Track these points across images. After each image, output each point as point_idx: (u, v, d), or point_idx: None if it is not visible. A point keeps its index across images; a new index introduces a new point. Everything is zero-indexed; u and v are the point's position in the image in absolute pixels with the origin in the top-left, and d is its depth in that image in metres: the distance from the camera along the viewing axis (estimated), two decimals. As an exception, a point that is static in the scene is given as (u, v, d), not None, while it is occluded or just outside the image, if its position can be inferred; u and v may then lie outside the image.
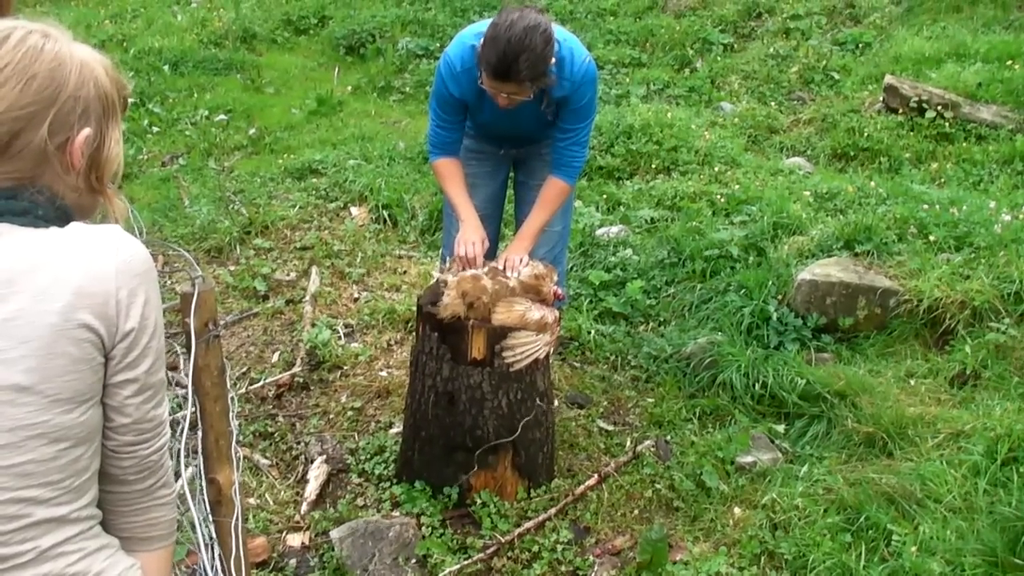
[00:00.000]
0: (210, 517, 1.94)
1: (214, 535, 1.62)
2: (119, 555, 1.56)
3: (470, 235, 3.51)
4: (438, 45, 10.07)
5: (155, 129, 8.48)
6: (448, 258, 3.65)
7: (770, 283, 4.64)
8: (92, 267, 1.41)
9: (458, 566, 3.11)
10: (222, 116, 8.84)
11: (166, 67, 10.06)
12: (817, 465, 3.61)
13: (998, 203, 5.27)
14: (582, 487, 3.55)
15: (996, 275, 4.35)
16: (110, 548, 1.55)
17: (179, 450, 1.90)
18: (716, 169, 6.62)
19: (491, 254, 3.85)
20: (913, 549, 2.97)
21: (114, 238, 1.46)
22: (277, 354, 4.61)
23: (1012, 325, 4.10)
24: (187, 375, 1.88)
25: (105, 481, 1.56)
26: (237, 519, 1.77)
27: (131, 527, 1.60)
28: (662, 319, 4.87)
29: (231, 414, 1.80)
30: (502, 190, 4.01)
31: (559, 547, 3.24)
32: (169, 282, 5.08)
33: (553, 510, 3.41)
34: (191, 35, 11.28)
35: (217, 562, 1.88)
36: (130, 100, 1.57)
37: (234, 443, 1.82)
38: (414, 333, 3.56)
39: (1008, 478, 3.17)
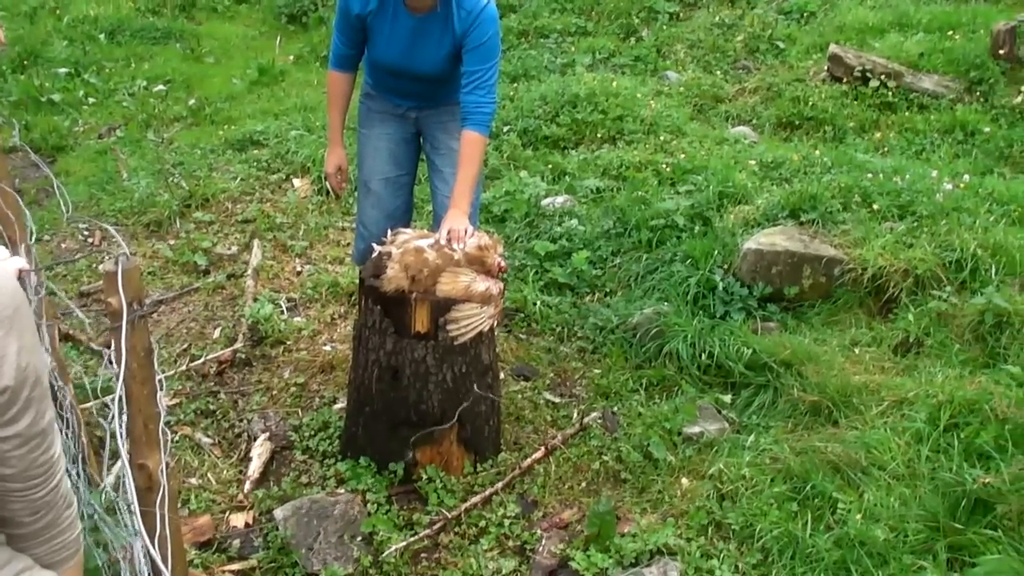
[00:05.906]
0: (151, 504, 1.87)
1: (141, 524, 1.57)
2: (36, 572, 1.48)
3: (329, 161, 4.00)
4: (382, 13, 9.92)
5: (91, 100, 8.27)
6: (363, 227, 3.89)
7: (716, 252, 4.64)
8: None
9: (404, 543, 3.08)
10: (161, 86, 8.66)
11: (102, 36, 9.83)
12: (763, 435, 3.62)
13: (940, 172, 5.32)
14: (529, 460, 3.53)
15: (938, 243, 4.39)
16: (27, 571, 1.46)
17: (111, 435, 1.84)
18: (662, 138, 6.61)
19: (404, 223, 3.81)
20: (858, 516, 3.00)
21: None
22: (219, 330, 4.52)
23: (953, 293, 4.14)
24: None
25: (1, 523, 1.44)
26: (164, 503, 1.71)
27: (37, 556, 1.51)
28: (608, 289, 4.85)
29: (159, 396, 1.73)
30: (408, 154, 3.92)
31: (506, 521, 3.22)
32: (103, 258, 4.95)
33: (500, 484, 3.39)
34: (128, 3, 11.04)
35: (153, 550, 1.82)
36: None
37: (162, 426, 1.76)
38: (357, 307, 3.50)
39: (949, 444, 3.21)
